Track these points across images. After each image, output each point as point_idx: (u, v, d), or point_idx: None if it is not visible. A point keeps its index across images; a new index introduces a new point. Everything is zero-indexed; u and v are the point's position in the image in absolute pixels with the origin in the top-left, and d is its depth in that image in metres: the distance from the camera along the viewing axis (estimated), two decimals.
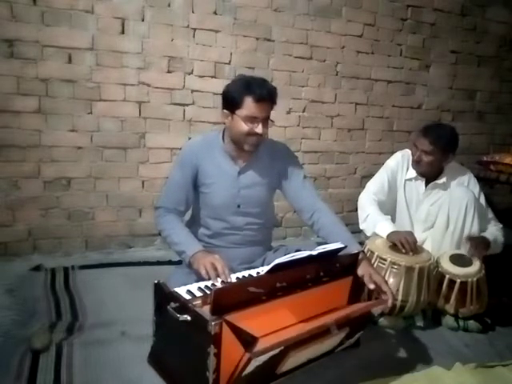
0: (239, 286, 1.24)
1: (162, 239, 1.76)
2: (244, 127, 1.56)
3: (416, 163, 2.06)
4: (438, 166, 2.06)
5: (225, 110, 1.61)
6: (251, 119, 1.55)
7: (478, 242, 1.90)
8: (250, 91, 1.53)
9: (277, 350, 1.13)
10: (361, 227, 2.03)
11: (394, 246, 1.83)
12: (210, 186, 1.69)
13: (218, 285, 1.37)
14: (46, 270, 2.15)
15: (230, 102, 1.58)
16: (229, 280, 1.40)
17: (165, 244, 2.57)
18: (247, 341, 1.10)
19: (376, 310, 1.47)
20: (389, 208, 2.14)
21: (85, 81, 2.28)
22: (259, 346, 1.08)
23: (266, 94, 1.53)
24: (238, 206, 1.70)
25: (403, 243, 1.78)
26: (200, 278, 1.45)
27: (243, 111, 1.54)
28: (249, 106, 1.53)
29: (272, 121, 1.63)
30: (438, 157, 2.01)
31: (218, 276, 1.41)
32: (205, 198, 1.72)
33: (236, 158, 1.70)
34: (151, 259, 2.40)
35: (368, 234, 1.99)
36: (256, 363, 1.11)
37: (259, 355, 1.07)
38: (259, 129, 1.55)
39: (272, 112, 1.60)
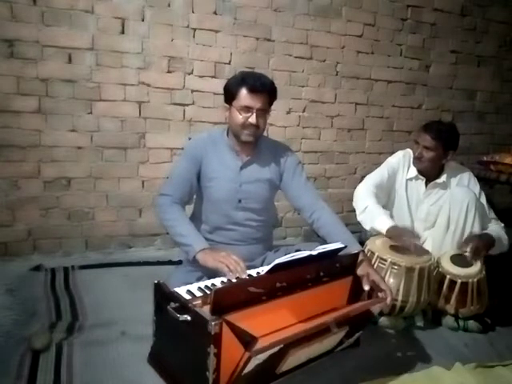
0: (239, 286, 1.24)
1: (164, 227, 1.72)
2: (239, 118, 1.64)
3: (417, 160, 2.06)
4: (438, 162, 2.07)
5: (225, 104, 1.71)
6: (246, 109, 1.63)
7: (476, 246, 1.85)
8: (244, 83, 1.62)
9: (276, 349, 1.13)
10: (358, 219, 2.01)
11: (394, 247, 1.83)
12: (213, 179, 1.73)
13: (219, 285, 1.37)
14: (45, 270, 2.14)
15: (228, 94, 1.68)
16: (245, 275, 1.40)
17: (165, 244, 2.59)
18: (247, 340, 1.09)
19: (375, 309, 1.47)
20: (385, 207, 2.13)
21: (85, 81, 2.28)
22: (259, 345, 1.08)
23: (259, 85, 1.61)
24: (239, 201, 1.74)
25: (405, 235, 1.76)
26: (207, 274, 1.44)
27: (238, 102, 1.63)
28: (243, 96, 1.62)
29: (269, 110, 1.70)
30: (439, 153, 2.02)
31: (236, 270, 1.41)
32: (207, 192, 1.75)
33: (239, 152, 1.74)
34: (151, 259, 2.40)
35: (365, 227, 1.98)
36: (256, 361, 1.11)
37: (259, 353, 1.07)
38: (253, 118, 1.62)
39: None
